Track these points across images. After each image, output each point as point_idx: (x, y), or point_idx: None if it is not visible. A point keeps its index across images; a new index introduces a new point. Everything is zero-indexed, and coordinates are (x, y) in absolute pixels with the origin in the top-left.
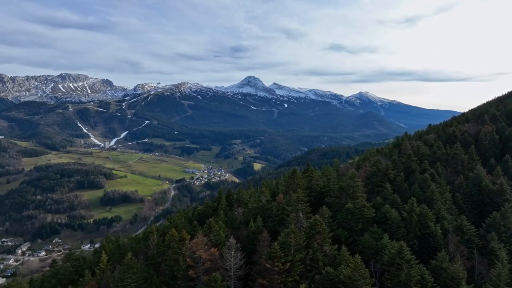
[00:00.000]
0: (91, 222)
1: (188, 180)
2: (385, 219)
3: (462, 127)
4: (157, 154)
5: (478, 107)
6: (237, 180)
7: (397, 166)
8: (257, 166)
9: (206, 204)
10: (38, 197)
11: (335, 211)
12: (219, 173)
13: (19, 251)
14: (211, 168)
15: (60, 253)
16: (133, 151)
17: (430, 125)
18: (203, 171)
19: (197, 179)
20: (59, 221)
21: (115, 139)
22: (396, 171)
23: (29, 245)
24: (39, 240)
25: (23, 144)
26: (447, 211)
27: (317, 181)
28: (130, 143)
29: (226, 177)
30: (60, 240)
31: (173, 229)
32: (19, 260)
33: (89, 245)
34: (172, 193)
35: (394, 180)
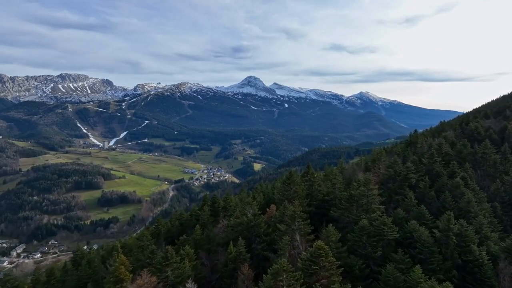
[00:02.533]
0: (88, 223)
1: (187, 181)
2: (412, 240)
3: (483, 123)
4: (156, 154)
5: (491, 102)
6: (237, 181)
7: (418, 169)
8: (257, 166)
9: (192, 211)
10: (35, 198)
11: (343, 228)
12: (218, 173)
13: (14, 253)
14: (210, 169)
15: (56, 255)
16: (132, 151)
17: (442, 121)
18: (203, 171)
19: (197, 179)
20: (55, 222)
21: (114, 139)
22: (418, 175)
23: (24, 247)
24: (35, 242)
25: (21, 144)
26: (488, 227)
27: (319, 187)
28: (129, 143)
29: (226, 177)
30: (56, 242)
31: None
32: (14, 262)
33: (85, 247)
34: (171, 193)
35: (416, 186)
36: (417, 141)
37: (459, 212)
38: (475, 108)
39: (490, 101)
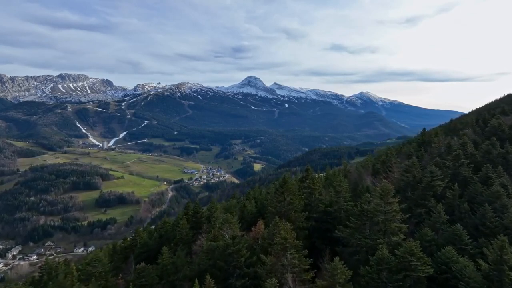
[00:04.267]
0: (85, 224)
1: (186, 181)
2: (449, 276)
3: (505, 120)
4: (156, 154)
5: (494, 101)
6: (236, 181)
7: (442, 174)
8: (257, 167)
9: (176, 221)
10: (32, 198)
11: (353, 254)
12: (218, 173)
13: (10, 255)
14: (210, 169)
15: (52, 256)
16: (131, 151)
17: (452, 120)
18: (202, 172)
19: (196, 179)
20: (52, 223)
21: (114, 139)
22: (444, 182)
23: (20, 248)
24: (31, 244)
25: (19, 144)
26: None
27: (320, 195)
28: (129, 143)
29: (226, 177)
30: (52, 243)
31: None
32: (9, 264)
33: (82, 249)
34: (170, 194)
35: (443, 196)
36: (431, 140)
37: (505, 231)
38: (477, 107)
39: (494, 100)
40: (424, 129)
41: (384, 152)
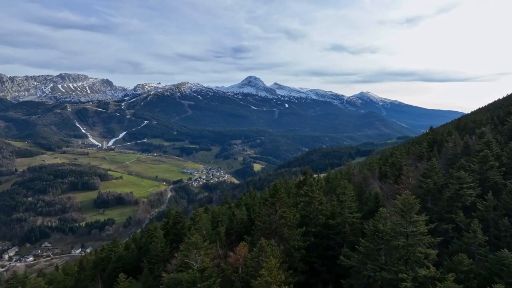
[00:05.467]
0: (83, 225)
1: (186, 181)
2: None
3: None
4: (155, 154)
5: (498, 101)
6: (236, 181)
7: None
8: (257, 167)
9: (153, 232)
10: (29, 199)
11: None
12: (218, 174)
13: (6, 256)
14: (210, 169)
15: (49, 258)
16: (131, 151)
17: (461, 117)
18: (202, 172)
19: (195, 180)
20: (49, 224)
21: (113, 139)
22: (475, 190)
23: (17, 249)
24: (28, 245)
25: (17, 144)
26: None
27: (320, 204)
28: (128, 143)
29: (225, 178)
30: (49, 245)
31: None
32: (5, 266)
33: (79, 250)
34: (169, 194)
35: (472, 208)
36: (444, 139)
37: None
38: (479, 107)
39: (497, 99)
40: (431, 127)
41: (390, 152)
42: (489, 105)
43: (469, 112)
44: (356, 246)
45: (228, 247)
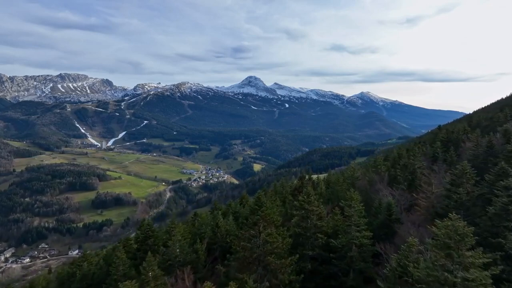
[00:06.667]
0: (81, 226)
1: (185, 182)
2: None
3: None
4: (155, 154)
5: (501, 100)
6: (236, 181)
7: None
8: (257, 167)
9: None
10: (27, 199)
11: None
12: (217, 174)
13: (2, 258)
14: (209, 169)
15: (46, 259)
16: (130, 151)
17: (472, 114)
18: (201, 172)
19: (195, 180)
20: (46, 225)
21: (113, 139)
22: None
23: (13, 251)
24: (24, 246)
25: (16, 144)
26: None
27: (320, 219)
28: (128, 143)
29: (225, 178)
30: (46, 246)
31: None
32: (1, 267)
33: (77, 251)
34: (168, 195)
35: None
36: (460, 138)
37: None
38: (480, 107)
39: (500, 98)
40: (439, 126)
41: (397, 153)
42: (492, 104)
43: (471, 112)
44: (364, 273)
45: (210, 267)
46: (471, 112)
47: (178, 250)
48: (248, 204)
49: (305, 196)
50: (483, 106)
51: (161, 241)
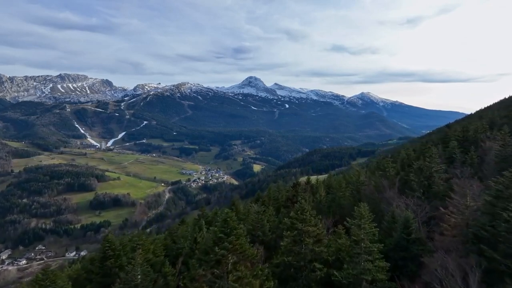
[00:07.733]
0: (78, 227)
1: (184, 182)
2: None
3: None
4: (154, 155)
5: (504, 100)
6: (235, 182)
7: None
8: (256, 168)
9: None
10: (24, 200)
11: None
12: (217, 174)
13: None
14: (209, 170)
15: (42, 261)
16: (129, 152)
17: (486, 109)
18: (201, 173)
19: (194, 181)
20: (43, 226)
21: (112, 140)
22: None
23: (10, 252)
24: (21, 247)
25: (14, 144)
26: None
27: (318, 242)
28: (127, 143)
29: (225, 178)
30: (43, 247)
31: None
32: None
33: (74, 253)
34: (167, 195)
35: None
36: (478, 137)
37: None
38: (482, 107)
39: (503, 98)
40: (448, 124)
41: (406, 153)
42: (494, 104)
43: (472, 112)
44: None
45: None
46: (472, 112)
47: (139, 277)
48: (215, 228)
49: (298, 212)
50: (485, 106)
51: (125, 261)
